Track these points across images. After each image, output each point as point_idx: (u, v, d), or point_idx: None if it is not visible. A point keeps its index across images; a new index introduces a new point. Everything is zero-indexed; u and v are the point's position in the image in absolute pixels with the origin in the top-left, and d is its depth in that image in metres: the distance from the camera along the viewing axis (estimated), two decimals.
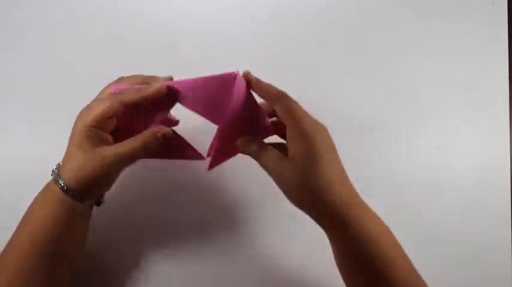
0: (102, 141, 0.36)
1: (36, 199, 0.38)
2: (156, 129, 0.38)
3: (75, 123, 0.37)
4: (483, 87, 0.53)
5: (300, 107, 0.37)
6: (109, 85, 0.40)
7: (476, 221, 0.50)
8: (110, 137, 0.38)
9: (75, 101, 0.51)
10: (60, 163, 0.38)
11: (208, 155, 0.42)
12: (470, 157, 0.51)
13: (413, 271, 0.36)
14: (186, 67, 0.53)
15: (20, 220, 0.38)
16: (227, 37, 0.53)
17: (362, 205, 0.36)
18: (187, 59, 0.53)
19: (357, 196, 0.36)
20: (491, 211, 0.50)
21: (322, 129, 0.36)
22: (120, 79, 0.41)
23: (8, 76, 0.52)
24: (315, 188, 0.34)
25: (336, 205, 0.34)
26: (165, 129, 0.39)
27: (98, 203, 0.41)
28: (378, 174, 0.51)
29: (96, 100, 0.38)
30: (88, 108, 0.37)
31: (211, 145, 0.42)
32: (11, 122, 0.51)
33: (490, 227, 0.50)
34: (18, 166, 0.50)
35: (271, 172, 0.36)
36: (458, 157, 0.51)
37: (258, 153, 0.37)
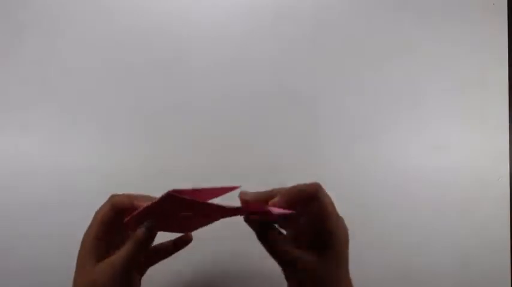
0: (106, 255, 0.35)
1: None
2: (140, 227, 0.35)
3: (80, 246, 0.36)
4: (483, 87, 0.53)
5: (331, 201, 0.34)
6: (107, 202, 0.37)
7: (476, 221, 0.50)
8: (117, 245, 0.35)
9: (76, 102, 0.51)
10: None
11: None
12: (470, 156, 0.51)
13: None
14: (186, 67, 0.53)
15: None
16: (227, 37, 0.53)
17: None
18: (187, 59, 0.53)
19: None
20: (491, 211, 0.50)
21: (345, 227, 0.35)
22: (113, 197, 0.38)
23: (8, 76, 0.52)
24: (322, 281, 0.33)
25: None
26: (148, 222, 0.35)
27: None
28: (377, 174, 0.51)
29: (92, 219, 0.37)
30: (87, 229, 0.36)
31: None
32: (11, 122, 0.51)
33: (490, 227, 0.50)
34: (18, 166, 0.50)
35: (281, 260, 0.34)
36: (458, 157, 0.51)
37: (274, 242, 0.34)
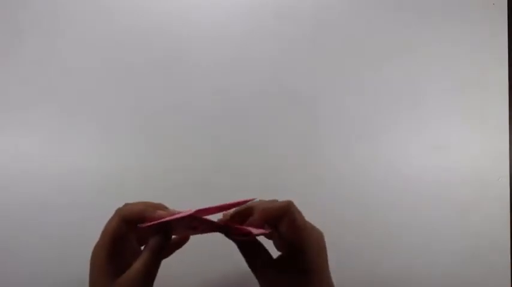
0: (121, 268, 0.34)
1: None
2: (156, 234, 0.35)
3: (90, 262, 0.35)
4: (483, 87, 0.53)
5: (303, 218, 0.35)
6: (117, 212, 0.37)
7: (476, 221, 0.50)
8: (133, 254, 0.35)
9: (75, 102, 0.52)
10: None
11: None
12: (470, 156, 0.51)
13: None
14: (186, 67, 0.53)
15: None
16: (227, 37, 0.53)
17: None
18: (187, 59, 0.53)
19: None
20: (491, 211, 0.50)
21: (320, 239, 0.35)
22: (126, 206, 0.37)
23: (8, 76, 0.52)
24: None
25: None
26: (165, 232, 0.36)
27: None
28: (377, 174, 0.51)
29: (102, 233, 0.36)
30: (97, 244, 0.35)
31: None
32: (11, 122, 0.51)
33: (490, 227, 0.50)
34: (18, 166, 0.50)
35: (262, 281, 0.35)
36: (458, 156, 0.51)
37: (249, 253, 0.35)
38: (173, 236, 0.40)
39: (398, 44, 0.54)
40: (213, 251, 0.47)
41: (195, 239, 0.39)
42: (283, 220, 0.34)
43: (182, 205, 0.49)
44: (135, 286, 0.33)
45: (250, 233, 0.33)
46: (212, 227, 0.35)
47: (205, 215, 0.33)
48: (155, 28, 0.53)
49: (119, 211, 0.35)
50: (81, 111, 0.52)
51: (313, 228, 0.36)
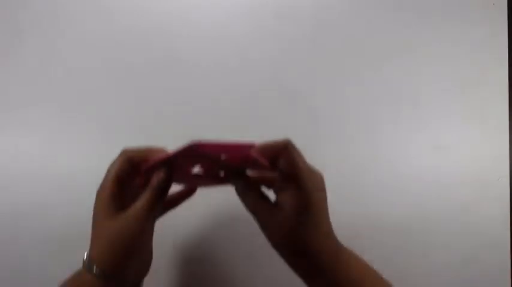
0: (123, 207, 0.35)
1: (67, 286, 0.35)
2: (157, 171, 0.35)
3: (95, 201, 0.36)
4: (483, 87, 0.53)
5: (302, 157, 0.34)
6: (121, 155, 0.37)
7: (476, 221, 0.50)
8: (134, 197, 0.36)
9: (75, 102, 0.52)
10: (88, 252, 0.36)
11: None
12: (470, 156, 0.51)
13: None
14: (186, 67, 0.53)
15: None
16: (227, 37, 0.53)
17: (343, 251, 0.36)
18: (187, 59, 0.53)
19: (339, 245, 0.36)
20: (491, 211, 0.50)
21: (319, 180, 0.35)
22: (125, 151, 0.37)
23: (8, 76, 0.52)
24: (306, 242, 0.33)
25: (321, 257, 0.34)
26: (166, 170, 0.36)
27: None
28: (377, 174, 0.51)
29: (105, 175, 0.37)
30: (101, 184, 0.36)
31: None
32: (11, 122, 0.51)
33: (490, 227, 0.50)
34: (18, 166, 0.50)
35: (255, 216, 0.35)
36: (458, 156, 0.51)
37: (245, 193, 0.35)
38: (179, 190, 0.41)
39: (398, 44, 0.54)
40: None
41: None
42: (282, 155, 0.34)
43: (182, 204, 0.50)
44: (138, 221, 0.34)
45: (251, 158, 0.32)
46: (215, 163, 0.34)
47: (205, 150, 0.31)
48: (155, 28, 0.53)
49: (123, 152, 0.36)
50: (81, 111, 0.52)
51: (313, 169, 0.35)
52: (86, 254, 0.35)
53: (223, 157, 0.34)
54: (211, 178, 0.38)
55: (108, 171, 0.36)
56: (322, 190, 0.35)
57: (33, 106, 0.51)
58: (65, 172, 0.50)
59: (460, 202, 0.50)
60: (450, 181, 0.51)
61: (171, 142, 0.51)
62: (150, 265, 0.38)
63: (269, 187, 0.38)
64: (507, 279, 0.49)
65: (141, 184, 0.37)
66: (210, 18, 0.54)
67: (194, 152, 0.31)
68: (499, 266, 0.49)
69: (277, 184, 0.36)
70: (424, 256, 0.49)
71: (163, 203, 0.37)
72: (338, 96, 0.53)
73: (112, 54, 0.53)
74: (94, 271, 0.33)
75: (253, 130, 0.52)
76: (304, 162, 0.34)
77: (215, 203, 0.50)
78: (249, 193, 0.35)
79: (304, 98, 0.52)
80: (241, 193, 0.36)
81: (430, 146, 0.52)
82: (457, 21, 0.54)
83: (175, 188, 0.39)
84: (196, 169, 0.36)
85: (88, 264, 0.34)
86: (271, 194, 0.36)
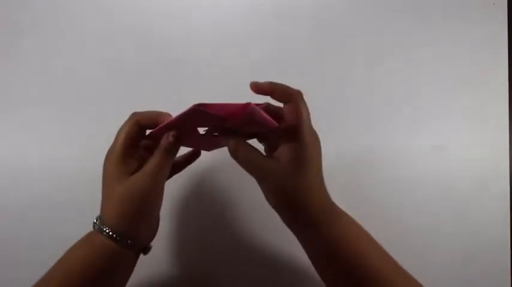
0: (132, 170, 0.36)
1: (77, 247, 0.36)
2: (166, 134, 0.36)
3: (104, 164, 0.36)
4: (483, 87, 0.53)
5: (308, 111, 0.36)
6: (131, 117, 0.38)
7: (476, 221, 0.50)
8: (142, 160, 0.37)
9: (75, 102, 0.52)
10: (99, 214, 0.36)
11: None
12: (470, 156, 0.51)
13: (391, 262, 0.36)
14: (186, 67, 0.53)
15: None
16: (227, 37, 0.53)
17: (335, 208, 0.37)
18: (187, 60, 0.53)
19: (331, 201, 0.37)
20: (491, 211, 0.50)
21: (318, 139, 0.37)
22: (134, 114, 0.38)
23: (8, 76, 0.52)
24: (299, 193, 0.34)
25: (313, 209, 0.35)
26: (173, 132, 0.36)
27: (144, 251, 0.38)
28: (378, 174, 0.51)
29: (115, 137, 0.37)
30: (110, 147, 0.37)
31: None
32: (11, 122, 0.51)
33: (489, 227, 0.50)
34: (18, 166, 0.50)
35: (251, 169, 0.36)
36: (458, 156, 0.51)
37: (236, 149, 0.35)
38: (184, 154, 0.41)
39: (399, 44, 0.54)
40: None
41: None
42: (291, 100, 0.35)
43: (182, 204, 0.50)
44: (149, 182, 0.35)
45: (251, 111, 0.32)
46: (218, 123, 0.35)
47: (207, 110, 0.32)
48: (155, 28, 0.53)
49: (132, 115, 0.37)
50: (81, 111, 0.52)
51: (314, 131, 0.36)
52: (96, 217, 0.36)
53: (225, 117, 0.34)
54: (213, 139, 0.38)
55: (118, 134, 0.37)
56: (319, 147, 0.36)
57: (33, 106, 0.51)
58: (65, 171, 0.50)
59: (460, 202, 0.50)
60: (450, 181, 0.51)
61: None
62: (157, 230, 0.39)
63: (262, 140, 0.39)
64: (507, 279, 0.49)
65: (149, 146, 0.38)
66: (210, 18, 0.54)
67: (198, 113, 0.32)
68: (499, 266, 0.49)
69: (273, 136, 0.37)
70: (424, 256, 0.49)
71: (173, 167, 0.38)
72: (337, 96, 0.53)
73: (112, 54, 0.53)
74: (105, 233, 0.34)
75: None
76: (308, 115, 0.36)
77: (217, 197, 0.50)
78: (242, 147, 0.35)
79: (304, 98, 0.52)
80: (233, 150, 0.35)
81: (430, 146, 0.52)
82: (457, 21, 0.54)
83: (180, 152, 0.39)
84: (202, 131, 0.37)
85: (99, 225, 0.34)
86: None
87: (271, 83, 0.36)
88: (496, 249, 0.50)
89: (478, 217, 0.50)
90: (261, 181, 0.36)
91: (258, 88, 0.36)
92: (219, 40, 0.53)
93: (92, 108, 0.52)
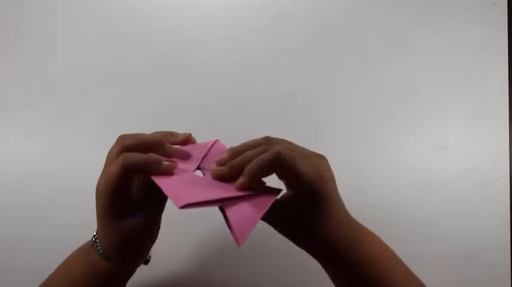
0: (124, 210, 0.34)
1: (74, 257, 0.37)
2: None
3: (95, 203, 0.35)
4: (483, 87, 0.53)
5: (297, 160, 0.32)
6: (117, 142, 0.36)
7: (476, 221, 0.50)
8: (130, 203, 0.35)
9: (75, 101, 0.51)
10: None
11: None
12: (470, 157, 0.51)
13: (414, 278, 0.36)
14: (186, 67, 0.53)
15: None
16: (227, 37, 0.53)
17: (361, 236, 0.37)
18: (187, 59, 0.53)
19: (355, 228, 0.37)
20: (491, 211, 0.50)
21: (322, 165, 0.35)
22: (122, 138, 0.37)
23: (8, 76, 0.52)
24: (322, 236, 0.34)
25: (343, 245, 0.34)
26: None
27: (146, 261, 0.39)
28: (378, 174, 0.51)
29: (105, 168, 0.35)
30: (98, 190, 0.34)
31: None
32: (11, 122, 0.51)
33: (489, 227, 0.50)
34: (18, 167, 0.50)
35: (269, 223, 0.35)
36: (457, 156, 0.51)
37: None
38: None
39: (399, 44, 0.54)
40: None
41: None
42: (274, 170, 0.33)
43: None
44: (145, 228, 0.34)
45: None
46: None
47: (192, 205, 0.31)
48: (155, 28, 0.53)
49: (122, 159, 0.32)
50: (81, 111, 0.52)
51: (312, 158, 0.35)
52: (95, 231, 0.36)
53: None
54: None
55: (106, 177, 0.33)
56: (325, 177, 0.34)
57: (33, 106, 0.51)
58: (64, 171, 0.50)
59: (460, 201, 0.50)
60: (450, 181, 0.51)
61: None
62: (154, 242, 0.37)
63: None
64: (507, 279, 0.49)
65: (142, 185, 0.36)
66: (210, 18, 0.54)
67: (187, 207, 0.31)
68: (499, 266, 0.49)
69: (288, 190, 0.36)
70: (424, 256, 0.49)
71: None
72: (338, 97, 0.52)
73: (111, 54, 0.53)
74: (98, 251, 0.34)
75: (253, 130, 0.52)
76: (300, 162, 0.32)
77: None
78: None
79: (304, 99, 0.52)
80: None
81: (430, 146, 0.52)
82: (457, 21, 0.54)
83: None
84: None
85: (95, 242, 0.35)
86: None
87: (249, 173, 0.33)
88: (496, 249, 0.50)
89: (478, 217, 0.50)
90: (280, 230, 0.35)
91: (243, 187, 0.34)
92: (219, 40, 0.53)
93: (91, 108, 0.52)
